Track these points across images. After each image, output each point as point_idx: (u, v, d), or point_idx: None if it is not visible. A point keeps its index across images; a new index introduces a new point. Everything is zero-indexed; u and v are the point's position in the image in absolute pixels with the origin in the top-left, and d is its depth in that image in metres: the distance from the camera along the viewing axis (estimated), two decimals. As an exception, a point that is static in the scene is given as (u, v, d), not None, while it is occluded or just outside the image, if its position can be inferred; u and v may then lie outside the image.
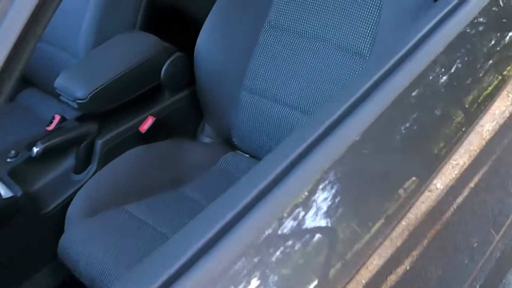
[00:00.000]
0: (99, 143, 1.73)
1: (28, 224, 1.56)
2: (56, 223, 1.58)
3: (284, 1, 1.63)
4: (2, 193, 1.49)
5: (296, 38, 1.60)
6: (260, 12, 1.67)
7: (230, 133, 1.79)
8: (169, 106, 1.84)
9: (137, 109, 1.79)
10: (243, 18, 1.68)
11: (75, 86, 1.65)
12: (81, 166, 1.73)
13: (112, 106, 1.72)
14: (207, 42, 1.71)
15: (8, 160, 1.57)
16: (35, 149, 1.57)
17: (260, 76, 1.67)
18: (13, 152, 1.58)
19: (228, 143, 1.84)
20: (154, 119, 1.76)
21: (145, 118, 1.78)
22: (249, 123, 1.71)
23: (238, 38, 1.68)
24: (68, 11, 1.85)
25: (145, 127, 1.76)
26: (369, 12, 1.47)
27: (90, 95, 1.64)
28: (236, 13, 1.69)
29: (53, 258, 1.53)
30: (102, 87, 1.65)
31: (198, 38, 1.71)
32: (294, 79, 1.60)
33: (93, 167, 1.73)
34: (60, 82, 1.66)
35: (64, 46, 1.92)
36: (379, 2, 1.46)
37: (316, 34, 1.57)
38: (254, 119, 1.70)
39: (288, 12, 1.62)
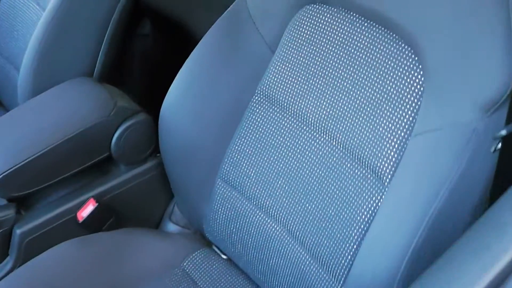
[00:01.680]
0: (17, 233, 1.35)
1: None
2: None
3: (290, 62, 1.17)
4: None
5: (296, 123, 1.16)
6: (253, 72, 1.23)
7: (202, 225, 1.38)
8: (123, 184, 1.44)
9: (74, 188, 1.41)
10: (229, 77, 1.24)
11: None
12: None
13: (34, 189, 1.34)
14: (176, 105, 1.29)
15: None
16: None
17: (241, 165, 1.24)
18: None
19: (202, 236, 1.41)
20: (96, 204, 1.35)
21: (85, 201, 1.37)
22: (223, 221, 1.30)
23: (218, 106, 1.25)
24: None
25: (83, 214, 1.36)
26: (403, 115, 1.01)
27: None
28: (219, 68, 1.25)
29: None
30: (15, 168, 1.28)
31: (166, 97, 1.28)
32: (283, 182, 1.16)
33: (9, 261, 1.37)
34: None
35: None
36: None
37: (322, 125, 1.11)
38: (229, 219, 1.29)
39: (291, 81, 1.17)
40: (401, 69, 0.99)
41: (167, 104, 1.29)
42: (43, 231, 1.37)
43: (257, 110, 1.21)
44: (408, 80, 0.98)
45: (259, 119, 1.21)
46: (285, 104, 1.17)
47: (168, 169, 1.37)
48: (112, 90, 1.43)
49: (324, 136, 1.10)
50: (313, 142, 1.12)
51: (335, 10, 1.10)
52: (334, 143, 1.09)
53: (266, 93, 1.20)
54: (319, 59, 1.13)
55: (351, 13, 1.08)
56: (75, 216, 1.37)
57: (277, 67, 1.19)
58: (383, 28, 1.03)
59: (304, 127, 1.14)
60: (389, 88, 1.01)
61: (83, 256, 1.33)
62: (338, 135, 1.08)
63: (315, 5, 1.14)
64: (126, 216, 1.46)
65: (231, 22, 1.25)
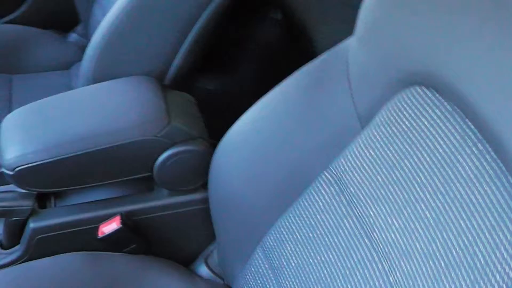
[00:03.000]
0: (30, 226, 1.25)
1: None
2: None
3: (378, 150, 0.93)
4: None
5: (359, 226, 0.93)
6: (332, 141, 1.00)
7: (231, 285, 1.21)
8: (161, 208, 1.28)
9: (104, 197, 1.28)
10: (303, 136, 1.03)
11: (7, 146, 1.17)
12: (6, 242, 1.29)
13: (56, 189, 1.21)
14: (238, 143, 1.10)
15: None
16: None
17: (285, 247, 1.04)
18: None
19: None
20: (120, 226, 1.20)
21: (111, 216, 1.22)
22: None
23: (281, 165, 1.05)
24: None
25: (105, 229, 1.22)
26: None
27: (17, 169, 1.14)
28: (295, 121, 1.05)
29: None
30: (38, 164, 1.14)
31: (231, 129, 1.10)
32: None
33: (18, 250, 1.27)
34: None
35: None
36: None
37: (387, 246, 0.88)
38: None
39: (372, 175, 0.93)
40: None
41: (228, 138, 1.11)
42: (57, 233, 1.25)
43: (322, 191, 1.00)
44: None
45: (320, 203, 0.99)
46: (356, 199, 0.95)
47: (213, 211, 1.20)
48: (178, 100, 1.26)
49: (384, 259, 0.88)
50: (369, 257, 0.91)
51: (446, 104, 0.87)
52: (391, 274, 0.87)
53: (339, 175, 0.98)
54: (413, 160, 0.89)
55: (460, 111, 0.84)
56: (96, 228, 1.23)
57: (362, 150, 0.96)
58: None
59: (366, 236, 0.92)
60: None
61: (89, 273, 1.22)
62: (401, 266, 0.86)
63: (423, 89, 0.90)
64: (154, 244, 1.30)
65: (323, 69, 1.04)
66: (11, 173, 1.14)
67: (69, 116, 1.19)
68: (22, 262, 1.25)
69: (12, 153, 1.14)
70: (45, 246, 1.25)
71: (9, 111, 1.51)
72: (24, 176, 1.15)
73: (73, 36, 1.81)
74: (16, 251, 1.27)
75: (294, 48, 1.76)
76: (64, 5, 1.75)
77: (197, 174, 1.23)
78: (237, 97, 1.75)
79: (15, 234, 1.26)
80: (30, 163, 1.13)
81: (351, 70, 1.00)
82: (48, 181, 1.18)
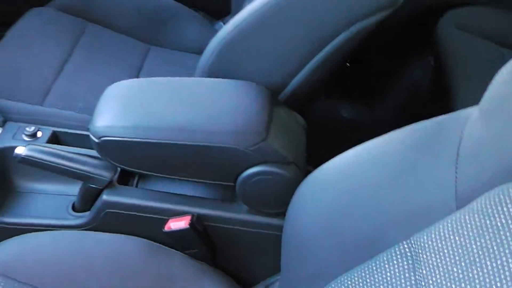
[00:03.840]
0: (102, 198, 1.26)
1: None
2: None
3: (464, 237, 0.84)
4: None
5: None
6: (422, 209, 0.92)
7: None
8: (235, 222, 1.24)
9: (183, 191, 1.27)
10: (392, 195, 0.96)
11: (101, 114, 1.17)
12: (79, 205, 1.32)
13: (134, 170, 1.20)
14: (325, 183, 1.04)
15: None
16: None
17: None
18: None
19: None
20: (188, 226, 1.18)
21: (183, 214, 1.20)
22: None
23: (359, 222, 0.98)
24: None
25: (172, 225, 1.20)
26: None
27: (102, 139, 1.14)
28: (386, 178, 0.97)
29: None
30: (123, 140, 1.13)
31: (325, 165, 1.04)
32: None
33: (85, 217, 1.30)
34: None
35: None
36: None
37: None
38: None
39: (450, 261, 0.86)
40: None
41: (317, 174, 1.05)
42: (126, 213, 1.25)
43: (394, 262, 0.91)
44: None
45: (388, 274, 0.91)
46: (425, 282, 0.86)
47: (283, 243, 1.14)
48: (285, 119, 1.21)
49: None
50: None
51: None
52: None
53: (417, 251, 0.90)
54: (496, 263, 0.80)
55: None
56: (165, 221, 1.21)
57: (449, 233, 0.87)
58: None
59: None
60: None
61: (144, 262, 1.22)
62: None
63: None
64: (218, 255, 1.27)
65: (436, 133, 0.96)
66: (96, 140, 1.14)
67: (171, 103, 1.18)
68: (86, 229, 1.26)
69: (103, 121, 1.15)
70: (112, 221, 1.25)
71: (136, 79, 1.55)
72: (108, 147, 1.15)
73: (219, 25, 1.81)
74: (84, 217, 1.29)
75: (438, 96, 1.68)
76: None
77: (280, 199, 1.17)
78: (368, 128, 1.69)
79: (88, 200, 1.28)
80: (116, 137, 1.13)
81: (464, 143, 0.92)
82: (129, 159, 1.17)
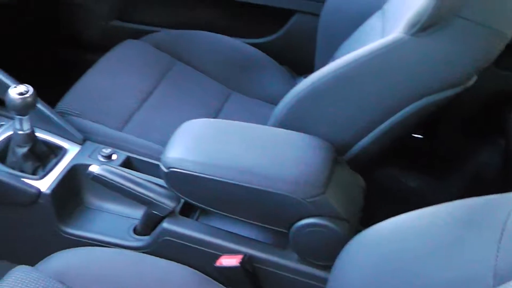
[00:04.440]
0: (162, 225, 1.35)
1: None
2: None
3: None
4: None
5: None
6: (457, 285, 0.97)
7: None
8: (285, 269, 1.30)
9: (238, 231, 1.34)
10: (436, 270, 1.00)
11: (173, 145, 1.27)
12: (140, 228, 1.42)
13: (196, 204, 1.30)
14: (370, 245, 1.09)
15: None
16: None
17: None
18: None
19: None
20: (239, 264, 1.25)
21: (236, 252, 1.29)
22: None
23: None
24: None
25: (223, 261, 1.28)
26: None
27: (171, 169, 1.24)
28: (438, 248, 1.01)
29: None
30: (190, 174, 1.22)
31: (371, 227, 1.09)
32: None
33: (144, 241, 1.40)
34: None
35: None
36: None
37: None
38: None
39: None
40: None
41: (366, 234, 1.09)
42: (182, 243, 1.33)
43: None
44: None
45: None
46: None
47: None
48: (345, 177, 1.28)
49: None
50: None
51: None
52: None
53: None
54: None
55: None
56: (217, 256, 1.29)
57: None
58: None
59: None
60: None
61: None
62: None
63: None
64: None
65: (483, 210, 1.01)
66: (165, 170, 1.23)
67: (240, 146, 1.26)
68: (143, 252, 1.34)
69: (174, 153, 1.24)
70: (168, 248, 1.34)
71: (213, 120, 1.65)
72: (175, 178, 1.24)
73: (301, 80, 1.88)
74: (143, 240, 1.39)
75: (506, 179, 1.71)
76: (305, 49, 1.83)
77: (329, 253, 1.22)
78: (430, 200, 1.72)
79: (149, 225, 1.37)
80: (184, 170, 1.22)
81: (510, 223, 0.96)
82: (193, 193, 1.26)
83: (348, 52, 1.26)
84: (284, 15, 1.94)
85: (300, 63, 1.90)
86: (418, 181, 1.81)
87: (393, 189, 1.70)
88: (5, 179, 1.40)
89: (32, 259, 1.25)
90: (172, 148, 1.26)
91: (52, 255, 1.26)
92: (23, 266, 1.21)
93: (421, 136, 1.83)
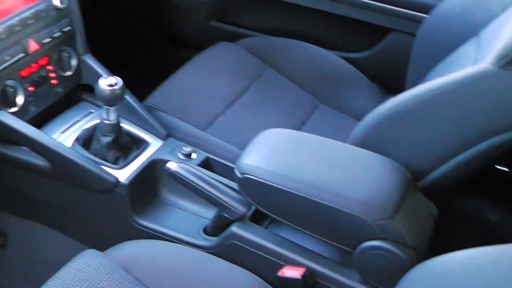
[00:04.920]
0: (231, 229, 1.38)
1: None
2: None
3: None
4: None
5: None
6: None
7: None
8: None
9: (305, 243, 1.35)
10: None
11: (250, 152, 1.31)
12: (209, 229, 1.46)
13: (266, 213, 1.31)
14: (425, 277, 1.08)
15: None
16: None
17: None
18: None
19: None
20: (300, 277, 1.27)
21: (299, 265, 1.31)
22: None
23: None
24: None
25: (286, 272, 1.30)
26: None
27: (244, 175, 1.27)
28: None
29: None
30: (263, 182, 1.25)
31: (431, 260, 1.09)
32: None
33: (213, 242, 1.43)
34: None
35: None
36: None
37: None
38: None
39: None
40: None
41: (424, 266, 1.09)
42: (248, 248, 1.36)
43: None
44: None
45: None
46: None
47: None
48: (417, 204, 1.27)
49: None
50: None
51: None
52: None
53: None
54: None
55: None
56: (280, 266, 1.31)
57: None
58: None
59: None
60: None
61: None
62: None
63: None
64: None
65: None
66: (239, 175, 1.26)
67: (314, 160, 1.28)
68: (210, 252, 1.37)
69: (249, 160, 1.27)
70: (233, 252, 1.37)
71: (296, 130, 1.66)
72: (248, 185, 1.27)
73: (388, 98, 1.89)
74: (211, 241, 1.43)
75: None
76: (398, 68, 1.82)
77: (393, 279, 1.21)
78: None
79: (219, 227, 1.41)
80: (257, 177, 1.25)
81: None
82: (263, 201, 1.29)
83: (438, 77, 1.26)
84: (380, 32, 1.94)
85: (392, 82, 1.90)
86: (499, 215, 1.77)
87: (470, 221, 1.67)
88: (87, 165, 1.46)
89: (102, 245, 1.31)
90: (248, 154, 1.29)
91: (122, 243, 1.32)
92: (93, 250, 1.27)
93: (507, 169, 1.79)
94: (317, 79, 1.91)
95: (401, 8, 1.86)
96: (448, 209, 1.38)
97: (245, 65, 1.88)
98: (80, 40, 1.65)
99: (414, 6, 1.85)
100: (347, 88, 1.89)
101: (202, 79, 1.81)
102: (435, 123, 1.25)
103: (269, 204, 1.29)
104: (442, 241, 1.33)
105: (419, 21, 1.73)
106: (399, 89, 1.78)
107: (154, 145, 1.57)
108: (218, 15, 2.15)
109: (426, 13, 1.72)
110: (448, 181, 1.30)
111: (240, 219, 1.37)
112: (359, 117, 1.74)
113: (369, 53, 1.99)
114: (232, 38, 2.01)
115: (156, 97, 1.72)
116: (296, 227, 1.29)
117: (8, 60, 1.47)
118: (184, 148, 1.53)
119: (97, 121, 1.54)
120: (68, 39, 1.63)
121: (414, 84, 1.41)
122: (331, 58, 1.95)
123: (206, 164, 1.53)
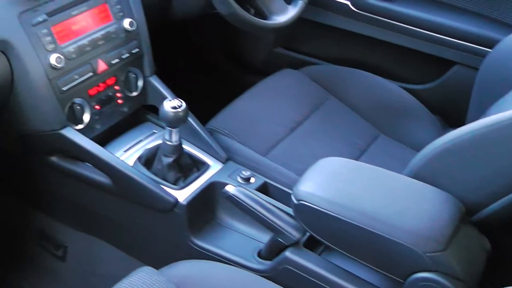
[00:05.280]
0: (285, 253, 1.41)
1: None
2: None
3: None
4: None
5: None
6: None
7: None
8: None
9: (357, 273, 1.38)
10: None
11: (307, 179, 1.33)
12: (264, 253, 1.49)
13: (318, 238, 1.33)
14: None
15: None
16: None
17: None
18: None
19: None
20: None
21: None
22: None
23: None
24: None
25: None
26: None
27: (300, 202, 1.29)
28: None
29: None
30: (318, 209, 1.27)
31: None
32: None
33: (266, 265, 1.47)
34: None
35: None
36: None
37: None
38: None
39: None
40: None
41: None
42: (301, 274, 1.39)
43: None
44: None
45: None
46: None
47: None
48: (470, 238, 1.28)
49: None
50: None
51: None
52: None
53: None
54: None
55: None
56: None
57: None
58: None
59: None
60: None
61: None
62: None
63: None
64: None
65: None
66: (295, 201, 1.29)
67: (369, 189, 1.30)
68: (263, 276, 1.40)
69: (306, 187, 1.30)
70: (286, 277, 1.40)
71: (355, 159, 1.71)
72: (303, 211, 1.30)
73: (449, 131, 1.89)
74: (265, 265, 1.46)
75: None
76: (460, 101, 1.82)
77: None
78: None
79: (273, 251, 1.44)
80: (313, 204, 1.27)
81: None
82: (318, 228, 1.32)
83: (499, 112, 1.27)
84: (444, 65, 1.96)
85: (454, 115, 1.91)
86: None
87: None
88: (148, 184, 1.52)
89: (158, 262, 1.35)
90: (305, 181, 1.32)
91: (177, 262, 1.36)
92: (149, 267, 1.31)
93: None
94: (378, 109, 1.93)
95: (466, 42, 1.88)
96: (502, 245, 1.38)
97: (307, 92, 1.93)
98: (147, 62, 1.71)
99: (478, 40, 1.87)
100: (408, 119, 1.91)
101: (264, 105, 1.86)
102: (491, 159, 1.26)
103: (323, 231, 1.32)
104: (494, 276, 1.34)
105: (483, 55, 1.74)
106: (461, 123, 1.78)
107: (214, 167, 1.61)
108: (283, 42, 2.20)
109: (490, 47, 1.72)
110: (503, 217, 1.30)
111: (294, 244, 1.40)
112: (418, 148, 1.74)
113: (431, 85, 2.01)
114: (296, 65, 2.06)
115: (219, 121, 1.77)
116: (349, 255, 1.31)
117: (77, 79, 1.53)
118: (243, 172, 1.57)
119: (159, 141, 1.59)
120: (135, 61, 1.69)
121: (475, 118, 1.41)
122: (394, 89, 1.98)
123: (264, 188, 1.57)
